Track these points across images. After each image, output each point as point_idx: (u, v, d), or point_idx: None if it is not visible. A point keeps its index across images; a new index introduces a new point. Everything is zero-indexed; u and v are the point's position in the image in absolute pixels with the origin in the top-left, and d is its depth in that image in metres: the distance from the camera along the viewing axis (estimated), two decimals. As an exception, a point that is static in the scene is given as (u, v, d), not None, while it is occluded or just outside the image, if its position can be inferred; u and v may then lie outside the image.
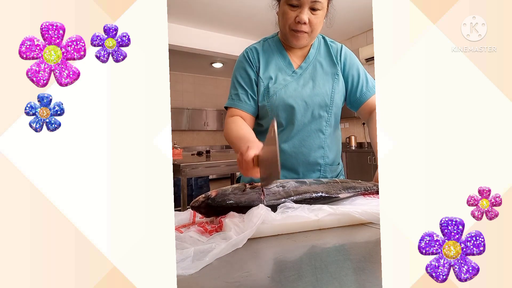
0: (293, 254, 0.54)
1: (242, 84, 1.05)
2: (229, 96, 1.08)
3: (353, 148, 4.96)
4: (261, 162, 0.72)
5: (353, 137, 5.02)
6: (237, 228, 0.60)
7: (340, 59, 1.08)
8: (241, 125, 0.99)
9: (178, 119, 7.27)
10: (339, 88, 1.07)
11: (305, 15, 0.94)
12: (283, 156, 1.03)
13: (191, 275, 0.46)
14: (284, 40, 1.06)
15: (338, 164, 1.15)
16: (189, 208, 0.71)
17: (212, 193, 0.68)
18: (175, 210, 0.78)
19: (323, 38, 1.13)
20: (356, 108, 1.12)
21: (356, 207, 0.70)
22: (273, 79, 1.04)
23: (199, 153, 4.30)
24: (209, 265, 0.49)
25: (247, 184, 0.73)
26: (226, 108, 1.08)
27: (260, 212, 0.62)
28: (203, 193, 0.70)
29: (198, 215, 0.72)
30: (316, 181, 0.81)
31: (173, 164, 3.19)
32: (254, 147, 0.76)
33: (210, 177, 4.82)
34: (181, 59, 6.15)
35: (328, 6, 1.00)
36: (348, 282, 0.43)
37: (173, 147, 3.69)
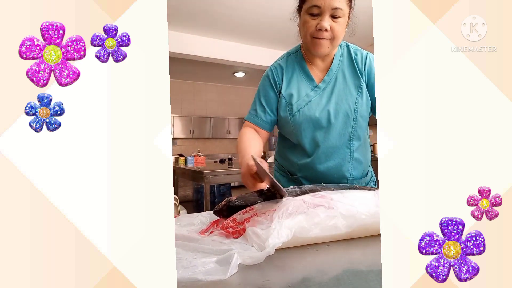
0: (315, 264, 0.53)
1: (262, 102, 1.12)
2: (249, 110, 1.15)
3: (377, 156, 4.81)
4: (261, 174, 0.78)
5: (377, 145, 4.91)
6: (257, 240, 0.57)
7: (364, 69, 1.07)
8: (250, 138, 1.05)
9: (202, 127, 7.41)
10: (363, 101, 1.06)
11: (326, 22, 0.95)
12: (308, 172, 1.07)
13: (211, 281, 0.46)
14: (306, 50, 1.07)
15: (367, 174, 1.15)
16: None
17: (233, 197, 0.75)
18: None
19: (347, 46, 1.10)
20: None
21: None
22: (296, 96, 1.06)
23: (222, 161, 4.30)
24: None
25: (265, 190, 0.76)
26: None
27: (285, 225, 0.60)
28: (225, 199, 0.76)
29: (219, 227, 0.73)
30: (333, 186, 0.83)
31: (196, 171, 3.22)
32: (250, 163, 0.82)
33: (232, 184, 4.82)
34: (205, 69, 6.24)
35: (349, 14, 1.00)
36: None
37: (197, 155, 3.92)
